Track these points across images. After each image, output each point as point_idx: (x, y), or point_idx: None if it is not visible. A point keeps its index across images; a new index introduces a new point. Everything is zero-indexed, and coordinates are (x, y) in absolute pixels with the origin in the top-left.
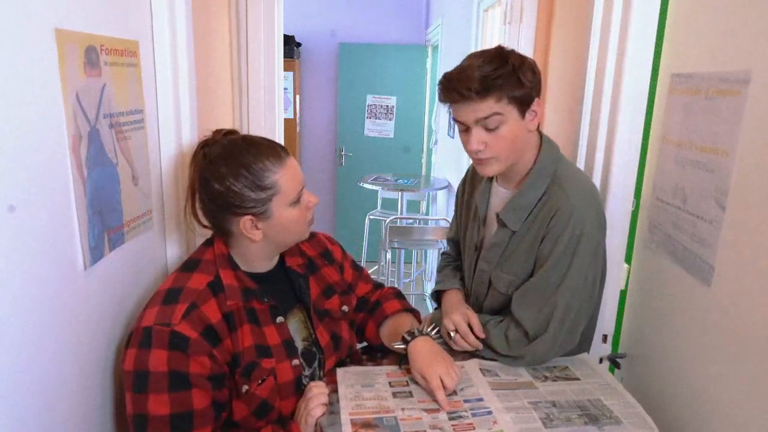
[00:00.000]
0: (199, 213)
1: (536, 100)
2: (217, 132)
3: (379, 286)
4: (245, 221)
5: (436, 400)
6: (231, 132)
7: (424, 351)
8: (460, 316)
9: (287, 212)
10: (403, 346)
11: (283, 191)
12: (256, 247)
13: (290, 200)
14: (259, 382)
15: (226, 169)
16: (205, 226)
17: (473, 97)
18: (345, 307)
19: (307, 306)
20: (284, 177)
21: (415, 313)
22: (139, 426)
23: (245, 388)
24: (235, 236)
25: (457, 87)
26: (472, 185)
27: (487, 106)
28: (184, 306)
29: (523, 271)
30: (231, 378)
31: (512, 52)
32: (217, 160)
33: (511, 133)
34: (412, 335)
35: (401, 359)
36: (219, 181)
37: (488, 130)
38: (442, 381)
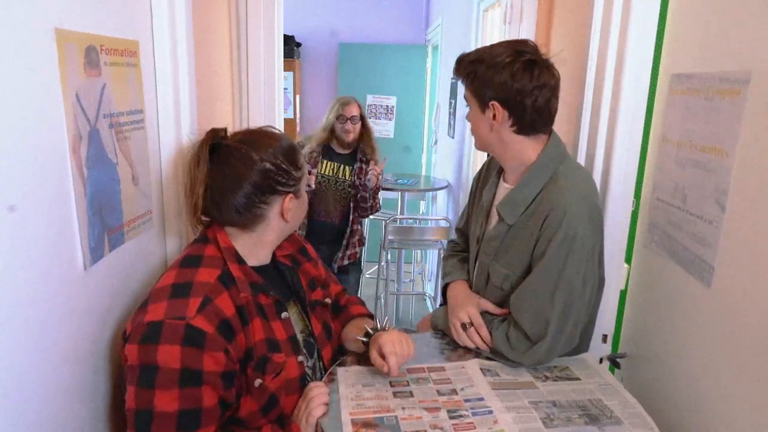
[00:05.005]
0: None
1: (493, 102)
2: (215, 132)
3: (344, 290)
4: (288, 199)
5: (386, 368)
6: (224, 132)
7: (391, 336)
8: (474, 309)
9: (305, 195)
10: (365, 340)
11: (305, 173)
12: (279, 233)
13: (307, 182)
14: (274, 375)
15: (272, 150)
16: (205, 226)
17: (456, 77)
18: (327, 299)
19: (302, 298)
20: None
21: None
22: (142, 422)
23: (258, 381)
24: (265, 222)
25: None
26: (486, 178)
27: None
28: (198, 300)
29: (518, 267)
30: (242, 373)
31: (527, 48)
32: (256, 146)
33: (473, 120)
34: (375, 330)
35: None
36: (270, 161)
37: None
38: (394, 349)
